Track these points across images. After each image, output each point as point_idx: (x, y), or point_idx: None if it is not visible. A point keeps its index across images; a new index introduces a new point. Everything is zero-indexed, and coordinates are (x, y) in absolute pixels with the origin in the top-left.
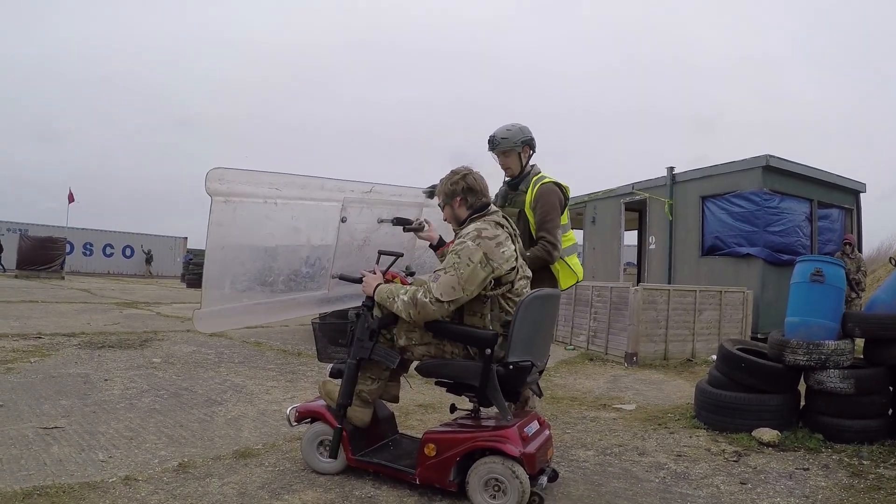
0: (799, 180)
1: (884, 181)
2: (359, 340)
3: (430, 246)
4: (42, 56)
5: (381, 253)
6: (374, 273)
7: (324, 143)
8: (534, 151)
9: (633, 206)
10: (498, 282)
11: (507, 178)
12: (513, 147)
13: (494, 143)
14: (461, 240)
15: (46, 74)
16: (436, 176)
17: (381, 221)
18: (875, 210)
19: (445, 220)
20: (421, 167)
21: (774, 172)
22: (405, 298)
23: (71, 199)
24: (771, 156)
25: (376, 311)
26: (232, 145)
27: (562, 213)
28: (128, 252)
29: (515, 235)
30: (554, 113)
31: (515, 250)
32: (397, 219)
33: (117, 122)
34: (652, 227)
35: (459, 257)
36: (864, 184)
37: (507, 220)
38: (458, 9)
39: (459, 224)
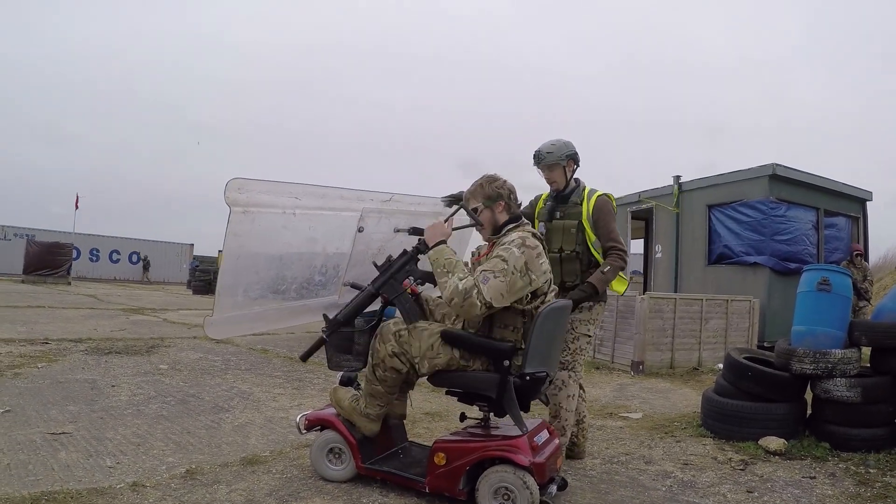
0: (805, 189)
1: (892, 188)
2: (393, 278)
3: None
4: (46, 57)
5: (459, 205)
6: (446, 224)
7: (330, 148)
8: (578, 165)
9: (640, 215)
10: (534, 295)
11: (552, 192)
12: (558, 161)
13: (540, 158)
14: (506, 246)
15: (51, 76)
16: (442, 182)
17: (397, 231)
18: (882, 218)
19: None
20: (427, 173)
21: (781, 181)
22: (460, 285)
23: (77, 205)
24: (777, 164)
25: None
26: (239, 150)
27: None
28: (134, 258)
29: (545, 250)
30: (554, 118)
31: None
32: (413, 228)
33: (123, 126)
34: (658, 235)
35: (507, 263)
36: (871, 192)
37: (539, 237)
38: (459, 9)
39: (495, 231)
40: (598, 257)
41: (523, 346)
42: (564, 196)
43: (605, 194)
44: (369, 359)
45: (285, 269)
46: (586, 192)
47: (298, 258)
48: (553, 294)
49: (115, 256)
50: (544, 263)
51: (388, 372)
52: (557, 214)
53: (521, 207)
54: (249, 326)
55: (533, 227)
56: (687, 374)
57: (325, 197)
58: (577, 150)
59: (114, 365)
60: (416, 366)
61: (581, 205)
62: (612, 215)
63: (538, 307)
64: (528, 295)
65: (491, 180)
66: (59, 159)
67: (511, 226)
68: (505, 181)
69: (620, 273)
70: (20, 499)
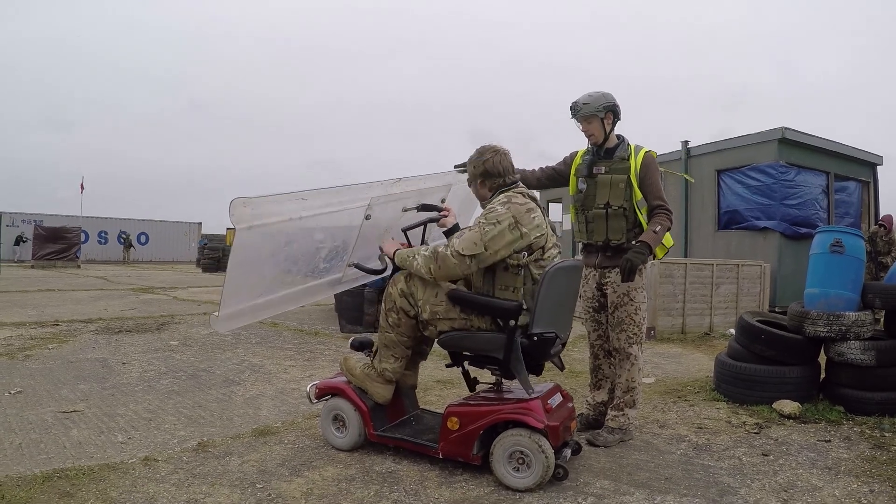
0: (815, 153)
1: None
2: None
3: (444, 232)
4: (51, 41)
5: (404, 232)
6: (393, 240)
7: (341, 121)
8: (618, 118)
9: None
10: (529, 250)
11: (590, 145)
12: (594, 113)
13: (576, 110)
14: (490, 207)
15: (56, 60)
16: (453, 152)
17: (405, 210)
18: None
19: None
20: (439, 143)
21: (790, 145)
22: (426, 254)
23: (82, 188)
24: (787, 128)
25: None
26: (247, 127)
27: None
28: (143, 239)
29: (543, 209)
30: (572, 87)
31: (545, 220)
32: (423, 205)
33: (128, 108)
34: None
35: (486, 218)
36: (881, 156)
37: (535, 197)
38: None
39: (484, 200)
40: (642, 217)
41: (526, 307)
42: (609, 150)
43: (651, 151)
44: (382, 305)
45: (291, 265)
46: (632, 147)
47: (304, 254)
48: (554, 251)
49: (123, 238)
50: (536, 218)
51: (399, 315)
52: (603, 169)
53: (556, 164)
54: (255, 315)
55: (569, 184)
56: (698, 339)
57: (336, 194)
58: (618, 104)
59: (124, 343)
60: (420, 310)
61: (628, 160)
62: (658, 173)
63: (537, 263)
64: (522, 252)
65: (476, 157)
66: (63, 143)
67: (500, 190)
68: (491, 156)
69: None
70: (33, 477)
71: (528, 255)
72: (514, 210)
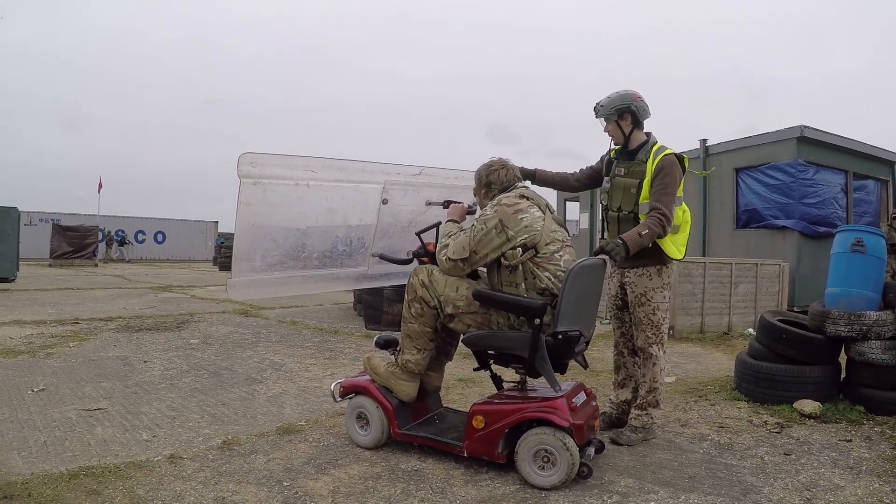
0: (834, 151)
1: None
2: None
3: None
4: (65, 41)
5: (418, 235)
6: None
7: (356, 121)
8: (637, 119)
9: None
10: (524, 248)
11: (615, 146)
12: (608, 115)
13: (595, 111)
14: (483, 210)
15: (67, 59)
16: (471, 151)
17: (429, 204)
18: None
19: None
20: (456, 142)
21: (809, 143)
22: (444, 249)
23: (100, 188)
24: (805, 126)
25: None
26: (260, 126)
27: (678, 186)
28: (160, 238)
29: (545, 207)
30: (589, 82)
31: (543, 219)
32: (447, 201)
33: (143, 105)
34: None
35: (478, 222)
36: None
37: (536, 195)
38: None
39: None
40: None
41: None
42: (632, 151)
43: (675, 154)
44: (405, 296)
45: (304, 239)
46: (654, 149)
47: (317, 228)
48: (555, 247)
49: (140, 237)
50: (525, 219)
51: (421, 305)
52: (622, 171)
53: (595, 163)
54: (274, 290)
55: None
56: (717, 338)
57: (343, 170)
58: (643, 104)
59: (145, 341)
60: (442, 304)
61: (646, 163)
62: (672, 178)
63: (533, 261)
64: (518, 249)
65: (476, 173)
66: (78, 143)
67: (499, 192)
68: (484, 167)
69: (671, 243)
70: (59, 475)
71: (522, 254)
72: (500, 212)
